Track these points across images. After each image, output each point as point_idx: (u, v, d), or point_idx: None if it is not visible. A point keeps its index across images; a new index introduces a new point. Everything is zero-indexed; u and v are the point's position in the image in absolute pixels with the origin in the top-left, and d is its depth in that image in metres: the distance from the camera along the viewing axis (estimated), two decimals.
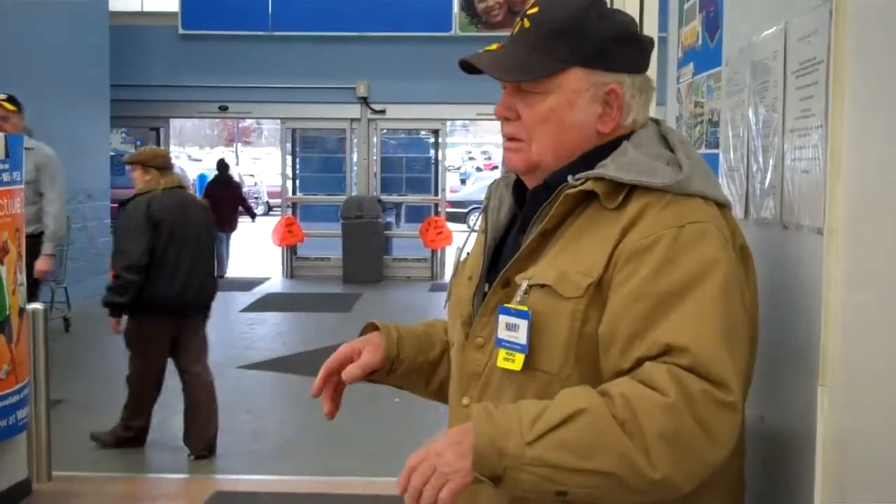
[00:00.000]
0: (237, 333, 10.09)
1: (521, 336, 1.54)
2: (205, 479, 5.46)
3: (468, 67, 1.67)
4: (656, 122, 1.69)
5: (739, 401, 1.40)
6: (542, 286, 1.54)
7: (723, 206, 1.58)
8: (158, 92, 14.30)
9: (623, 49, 1.62)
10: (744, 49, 1.97)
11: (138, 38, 14.10)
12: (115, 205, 14.64)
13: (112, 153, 13.84)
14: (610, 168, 1.55)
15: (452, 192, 21.75)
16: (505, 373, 1.58)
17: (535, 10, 1.63)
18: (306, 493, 5.29)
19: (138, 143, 20.76)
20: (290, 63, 14.23)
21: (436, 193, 15.41)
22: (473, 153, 43.34)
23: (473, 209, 22.91)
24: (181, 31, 14.40)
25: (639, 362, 1.42)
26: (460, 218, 21.66)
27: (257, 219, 18.25)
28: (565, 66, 1.59)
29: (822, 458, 1.46)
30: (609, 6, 1.66)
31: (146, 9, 14.77)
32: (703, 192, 1.55)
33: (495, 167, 34.96)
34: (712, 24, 2.33)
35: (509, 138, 1.66)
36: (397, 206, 15.72)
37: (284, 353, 9.05)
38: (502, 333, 1.56)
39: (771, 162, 1.77)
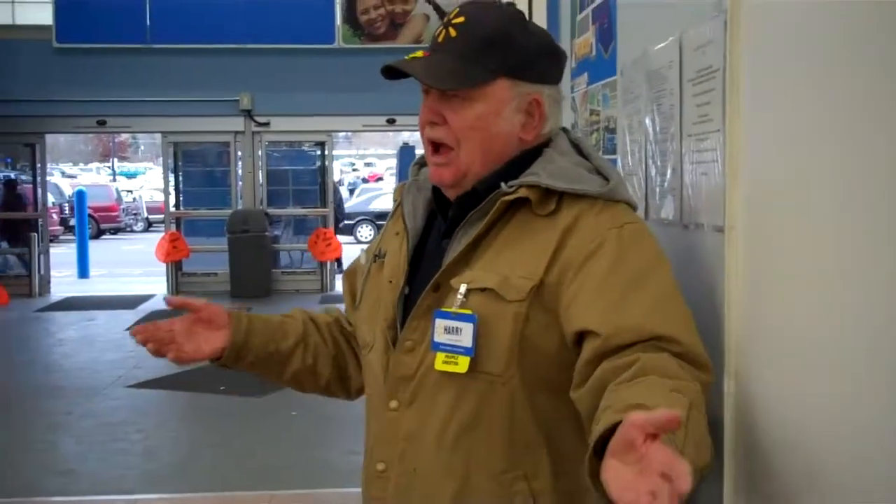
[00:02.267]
0: (124, 352, 9.84)
1: (465, 339, 1.57)
2: (100, 502, 5.33)
3: (390, 74, 1.70)
4: (565, 130, 1.77)
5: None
6: (483, 290, 1.58)
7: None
8: (33, 107, 13.85)
9: (544, 61, 1.70)
10: (638, 59, 2.06)
11: (10, 51, 13.63)
12: None
13: None
14: (542, 176, 1.62)
15: None
16: (443, 375, 1.60)
17: (461, 19, 1.66)
18: None
19: (8, 160, 20.08)
20: (171, 76, 13.97)
21: (324, 205, 15.35)
22: (357, 164, 43.29)
23: (360, 220, 22.87)
24: (55, 44, 13.96)
25: (624, 348, 1.45)
26: (348, 230, 21.60)
27: (139, 235, 17.88)
28: (494, 76, 1.64)
29: (730, 445, 1.55)
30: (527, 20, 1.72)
31: (18, 22, 14.32)
32: (627, 199, 1.66)
33: (380, 178, 35.00)
34: (606, 36, 2.43)
35: (436, 146, 1.68)
36: (285, 218, 15.59)
37: (173, 371, 8.86)
38: (440, 337, 1.59)
39: (669, 165, 1.86)
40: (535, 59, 1.68)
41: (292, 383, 1.97)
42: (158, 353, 1.87)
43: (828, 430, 1.28)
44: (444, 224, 1.73)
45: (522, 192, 1.61)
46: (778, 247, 1.42)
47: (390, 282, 1.74)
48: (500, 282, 1.58)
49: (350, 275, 1.97)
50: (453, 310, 1.59)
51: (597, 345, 1.47)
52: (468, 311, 1.58)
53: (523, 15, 1.72)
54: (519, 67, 1.65)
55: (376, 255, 1.83)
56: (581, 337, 1.51)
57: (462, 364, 1.58)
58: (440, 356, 1.60)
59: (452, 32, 1.66)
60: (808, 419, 1.33)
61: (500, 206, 1.61)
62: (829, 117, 1.26)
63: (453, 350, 1.58)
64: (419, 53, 1.69)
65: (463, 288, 1.59)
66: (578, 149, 1.72)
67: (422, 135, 1.72)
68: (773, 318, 1.44)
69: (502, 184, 1.63)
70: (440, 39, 1.68)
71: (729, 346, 1.56)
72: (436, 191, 1.77)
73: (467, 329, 1.57)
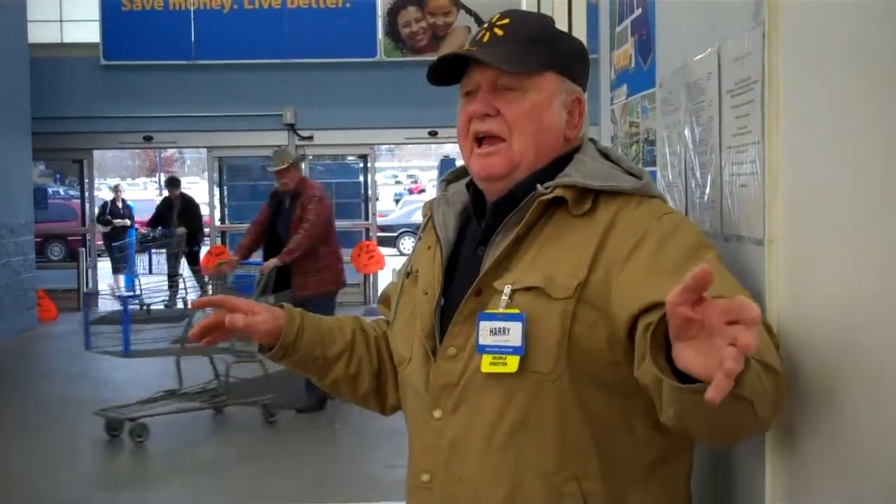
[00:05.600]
0: (170, 365, 9.94)
1: (514, 339, 1.58)
2: None
3: (437, 79, 1.74)
4: (592, 140, 1.82)
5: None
6: (529, 289, 1.60)
7: None
8: (81, 123, 14.10)
9: (582, 64, 1.79)
10: (678, 71, 2.05)
11: (59, 69, 13.88)
12: (39, 239, 14.45)
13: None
14: (576, 176, 1.66)
15: (381, 216, 21.75)
16: (490, 377, 1.61)
17: (506, 21, 1.73)
18: None
19: (58, 176, 20.34)
20: (215, 91, 14.14)
21: (366, 218, 15.41)
22: (399, 177, 43.44)
23: (403, 233, 22.92)
24: (103, 61, 14.21)
25: None
26: (391, 242, 21.66)
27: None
28: (546, 69, 1.71)
29: (771, 456, 1.53)
30: None
31: (66, 40, 14.56)
32: (660, 195, 1.71)
33: (423, 190, 35.09)
34: (645, 47, 2.42)
35: (487, 138, 1.71)
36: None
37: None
38: (486, 339, 1.60)
39: (709, 178, 1.85)
40: (576, 60, 1.77)
41: (331, 388, 1.97)
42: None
43: (874, 451, 1.26)
44: (479, 232, 1.75)
45: (559, 192, 1.64)
46: (819, 259, 1.40)
47: (426, 293, 1.76)
48: (545, 280, 1.59)
49: (385, 300, 2.00)
50: (499, 311, 1.60)
51: (657, 314, 1.36)
52: (515, 311, 1.59)
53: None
54: (565, 65, 1.74)
55: (408, 273, 1.86)
56: (636, 322, 1.47)
57: (511, 364, 1.58)
58: (486, 358, 1.60)
59: (499, 32, 1.72)
60: (856, 438, 1.31)
61: (538, 206, 1.64)
62: (869, 128, 1.25)
63: (501, 351, 1.59)
64: (468, 47, 1.73)
65: (507, 289, 1.61)
66: (606, 156, 1.77)
67: (463, 135, 1.74)
68: (814, 332, 1.42)
69: (538, 185, 1.66)
70: (486, 39, 1.72)
71: None
72: (475, 198, 1.80)
73: (515, 328, 1.58)
